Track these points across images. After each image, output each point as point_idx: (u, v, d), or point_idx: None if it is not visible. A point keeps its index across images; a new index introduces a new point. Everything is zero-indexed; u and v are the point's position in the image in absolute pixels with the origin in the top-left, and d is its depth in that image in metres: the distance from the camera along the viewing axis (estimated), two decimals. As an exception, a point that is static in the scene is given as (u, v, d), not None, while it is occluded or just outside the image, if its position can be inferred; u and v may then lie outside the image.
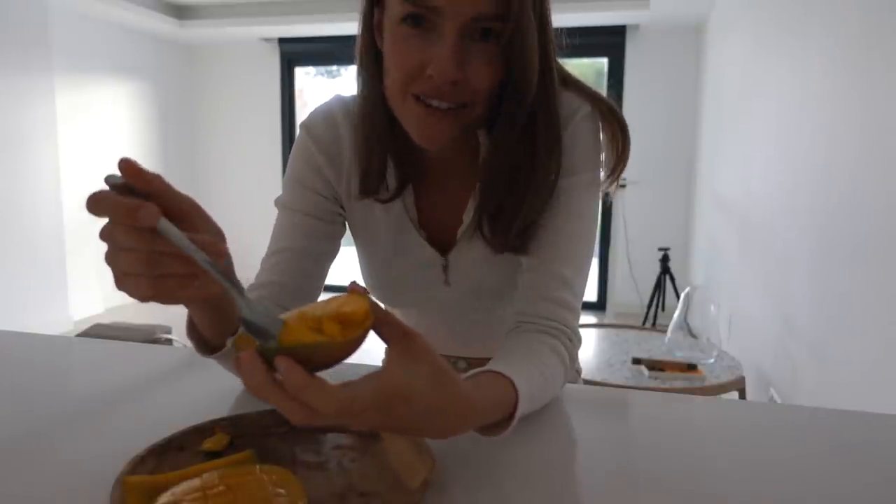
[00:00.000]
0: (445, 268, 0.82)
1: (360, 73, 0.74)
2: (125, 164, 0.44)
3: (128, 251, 0.43)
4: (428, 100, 0.65)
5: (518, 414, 0.58)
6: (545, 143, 0.71)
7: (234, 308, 0.53)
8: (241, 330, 0.44)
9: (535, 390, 0.62)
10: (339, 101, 0.81)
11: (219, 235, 0.48)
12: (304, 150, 0.80)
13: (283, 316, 0.45)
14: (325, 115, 0.81)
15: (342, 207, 0.83)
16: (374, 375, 0.45)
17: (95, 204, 0.42)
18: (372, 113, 0.73)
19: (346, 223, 0.85)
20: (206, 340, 0.63)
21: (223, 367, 0.69)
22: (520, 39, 0.64)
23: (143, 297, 0.45)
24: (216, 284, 0.47)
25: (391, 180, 0.78)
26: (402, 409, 0.45)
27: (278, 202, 0.82)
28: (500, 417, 0.57)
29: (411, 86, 0.65)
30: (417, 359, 0.47)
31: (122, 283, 0.45)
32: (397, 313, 0.96)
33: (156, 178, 0.45)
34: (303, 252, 0.78)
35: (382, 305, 0.50)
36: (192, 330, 0.63)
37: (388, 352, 0.48)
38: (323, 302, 0.47)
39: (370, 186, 0.77)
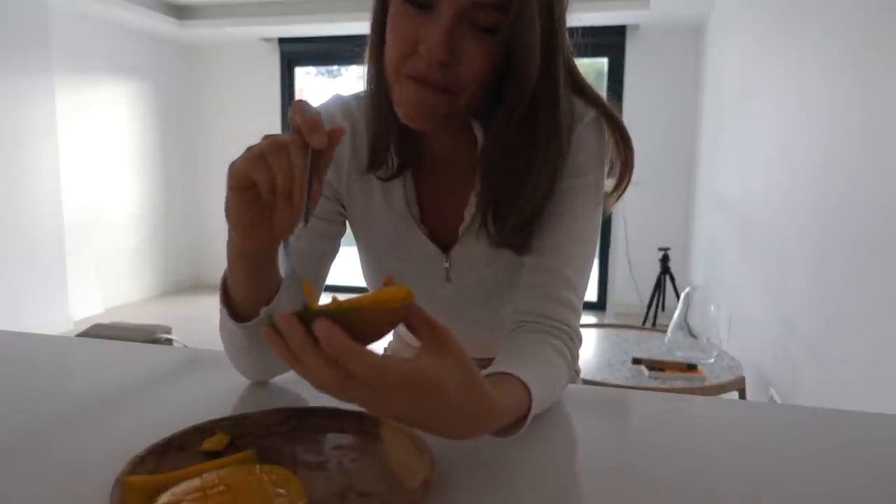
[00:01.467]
0: (447, 265, 0.82)
1: (370, 51, 0.73)
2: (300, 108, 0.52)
3: (271, 145, 0.52)
4: (417, 79, 0.65)
5: (530, 417, 0.58)
6: (544, 141, 0.71)
7: (275, 266, 0.61)
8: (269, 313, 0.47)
9: (545, 393, 0.62)
10: (338, 101, 0.82)
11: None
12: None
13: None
14: (323, 115, 0.80)
15: (343, 207, 0.83)
16: (407, 358, 0.45)
17: (301, 109, 0.52)
18: (377, 92, 0.74)
19: (347, 222, 0.85)
20: (238, 308, 0.66)
21: (241, 335, 0.69)
22: (520, 33, 0.63)
23: (239, 174, 0.52)
24: (287, 223, 0.54)
25: (392, 163, 0.78)
26: (429, 401, 0.45)
27: None
28: (513, 420, 0.57)
29: (404, 65, 0.65)
30: (449, 356, 0.47)
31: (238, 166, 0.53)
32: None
33: (324, 131, 0.53)
34: (302, 253, 0.79)
35: None
36: (226, 296, 0.66)
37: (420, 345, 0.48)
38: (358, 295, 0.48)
39: (376, 163, 0.77)
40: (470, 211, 0.78)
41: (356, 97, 0.81)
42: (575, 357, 0.73)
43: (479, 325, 0.88)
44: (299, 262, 0.79)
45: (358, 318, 0.43)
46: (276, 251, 0.63)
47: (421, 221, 0.81)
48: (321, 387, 0.43)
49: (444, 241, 0.82)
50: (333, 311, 0.43)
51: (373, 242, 0.85)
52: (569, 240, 0.74)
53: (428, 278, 0.84)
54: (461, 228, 0.80)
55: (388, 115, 0.73)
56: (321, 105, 0.82)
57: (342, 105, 0.81)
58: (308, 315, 0.43)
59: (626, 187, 0.79)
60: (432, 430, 0.49)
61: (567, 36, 0.71)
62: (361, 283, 0.90)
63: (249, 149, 0.52)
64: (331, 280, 0.85)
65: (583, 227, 0.75)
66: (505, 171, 0.72)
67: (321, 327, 0.42)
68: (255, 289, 0.64)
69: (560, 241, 0.74)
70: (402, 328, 0.90)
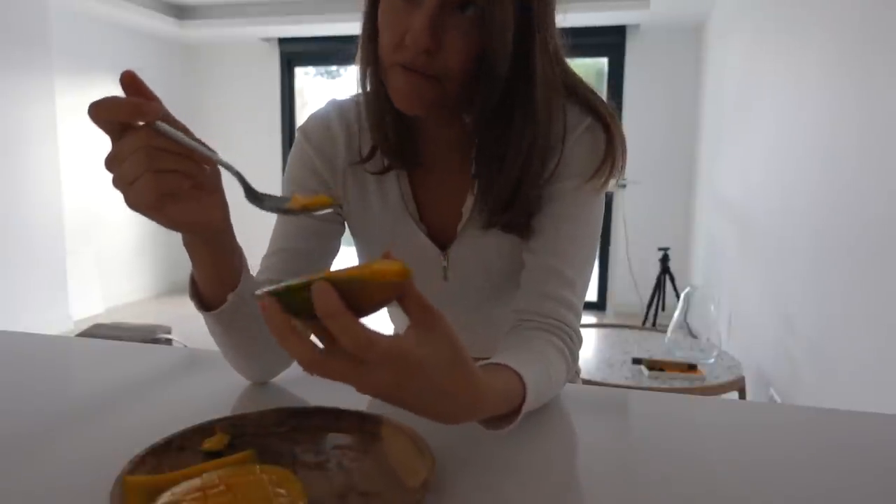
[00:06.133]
0: (445, 263, 0.83)
1: (363, 44, 0.74)
2: (128, 77, 0.47)
3: (130, 156, 0.47)
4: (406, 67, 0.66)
5: (525, 409, 0.58)
6: (520, 117, 0.71)
7: (234, 252, 0.61)
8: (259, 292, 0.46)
9: (542, 386, 0.62)
10: (334, 104, 0.84)
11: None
12: (301, 153, 0.82)
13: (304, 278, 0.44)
14: (320, 119, 0.83)
15: (340, 206, 0.84)
16: (395, 335, 0.45)
17: (99, 106, 0.45)
18: (372, 84, 0.75)
19: (345, 223, 0.85)
20: (208, 298, 0.66)
21: (219, 329, 0.69)
22: (492, 9, 0.64)
23: (149, 201, 0.48)
24: (218, 206, 0.55)
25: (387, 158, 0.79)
26: (413, 380, 0.45)
27: None
28: (506, 411, 0.57)
29: (394, 56, 0.66)
30: (438, 336, 0.47)
31: (129, 195, 0.48)
32: (398, 314, 0.96)
33: (156, 98, 0.48)
34: (301, 252, 0.79)
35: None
36: (194, 288, 0.66)
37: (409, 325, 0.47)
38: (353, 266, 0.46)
39: (381, 160, 0.79)
40: (468, 207, 0.79)
41: (354, 100, 0.83)
42: (574, 356, 0.74)
43: (477, 325, 0.88)
44: (299, 263, 0.80)
45: (349, 290, 0.42)
46: (224, 235, 0.60)
47: (419, 219, 0.82)
48: (303, 364, 0.43)
49: (442, 240, 0.82)
50: (326, 280, 0.42)
51: (370, 242, 0.86)
52: (567, 241, 0.75)
53: (425, 277, 0.84)
54: (460, 226, 0.80)
55: (384, 104, 0.74)
56: (318, 110, 0.84)
57: (337, 108, 0.83)
58: (288, 298, 0.42)
59: (606, 179, 0.77)
60: (418, 411, 0.48)
61: (554, 33, 0.71)
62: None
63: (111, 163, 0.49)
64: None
65: (582, 230, 0.75)
66: (489, 153, 0.73)
67: (319, 288, 0.41)
68: (217, 277, 0.63)
69: (559, 242, 0.74)
70: (401, 328, 0.91)
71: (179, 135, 0.48)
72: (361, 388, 0.44)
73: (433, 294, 0.84)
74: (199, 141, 0.50)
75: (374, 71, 0.73)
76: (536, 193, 0.74)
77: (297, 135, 0.84)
